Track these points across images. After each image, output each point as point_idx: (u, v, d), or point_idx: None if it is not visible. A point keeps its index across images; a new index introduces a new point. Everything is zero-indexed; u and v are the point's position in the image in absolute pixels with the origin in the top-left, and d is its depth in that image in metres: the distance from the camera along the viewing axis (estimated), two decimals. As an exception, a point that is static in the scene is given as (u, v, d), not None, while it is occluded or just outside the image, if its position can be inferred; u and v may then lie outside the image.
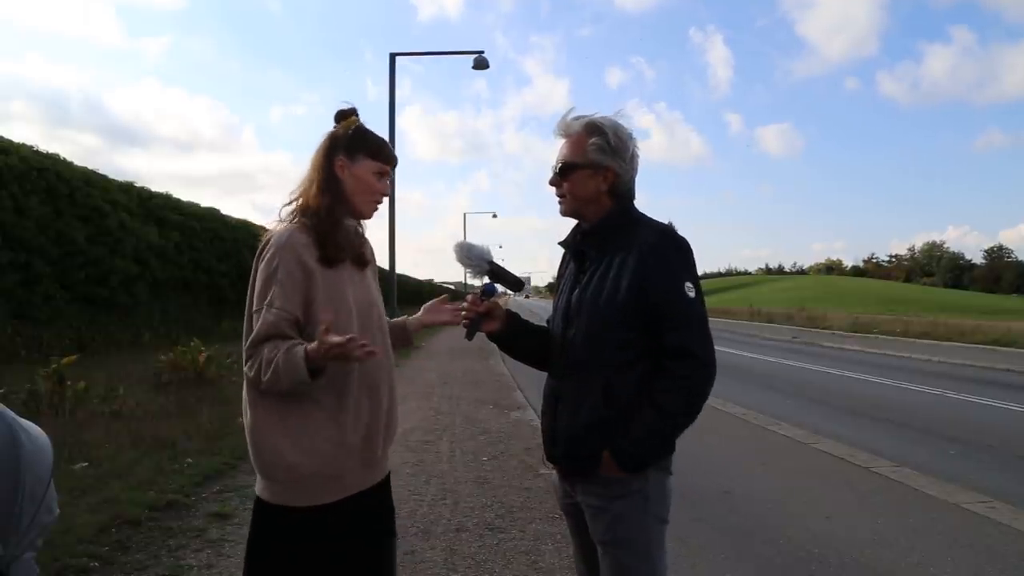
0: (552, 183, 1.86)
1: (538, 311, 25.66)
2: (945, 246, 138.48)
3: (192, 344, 8.48)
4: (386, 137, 2.02)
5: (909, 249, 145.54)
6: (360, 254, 1.82)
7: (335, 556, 1.69)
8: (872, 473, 5.34)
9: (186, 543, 3.52)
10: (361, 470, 1.73)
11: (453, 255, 1.89)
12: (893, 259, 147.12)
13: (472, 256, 1.86)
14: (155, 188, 15.48)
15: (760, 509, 4.45)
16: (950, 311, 44.16)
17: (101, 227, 12.19)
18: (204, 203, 18.86)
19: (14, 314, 9.71)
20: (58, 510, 0.84)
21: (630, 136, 1.81)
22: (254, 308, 1.64)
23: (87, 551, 3.25)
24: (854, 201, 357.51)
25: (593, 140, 1.77)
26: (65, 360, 6.14)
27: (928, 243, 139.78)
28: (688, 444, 2.00)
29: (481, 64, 14.83)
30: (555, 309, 1.92)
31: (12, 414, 0.79)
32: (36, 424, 0.84)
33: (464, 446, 6.05)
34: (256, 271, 1.68)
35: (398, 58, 14.81)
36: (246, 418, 1.70)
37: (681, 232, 1.76)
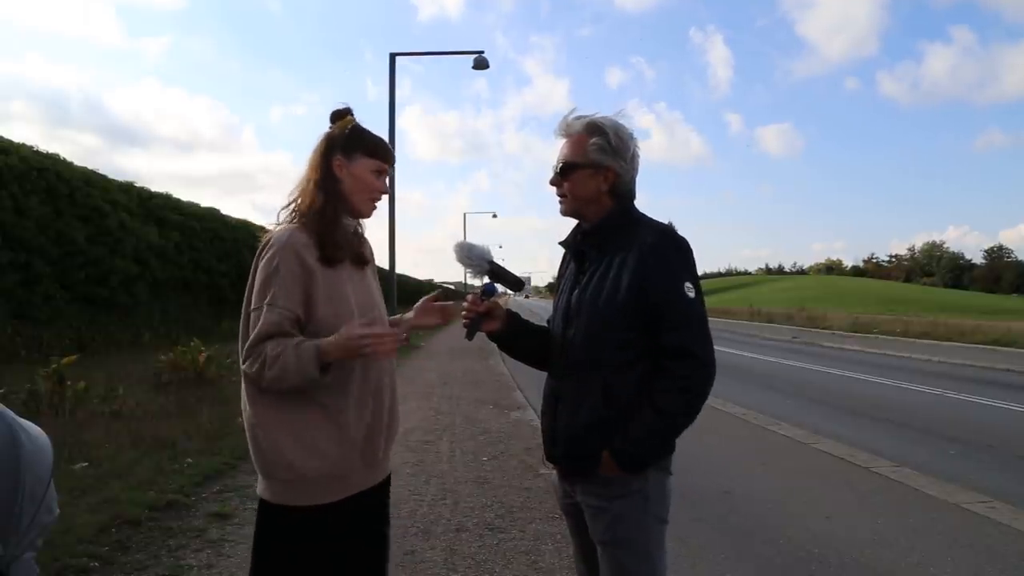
0: (553, 183, 1.86)
1: (538, 311, 25.67)
2: (945, 246, 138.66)
3: (192, 344, 8.48)
4: (386, 137, 2.02)
5: (909, 249, 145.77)
6: (359, 253, 1.82)
7: (336, 556, 1.69)
8: (872, 473, 5.34)
9: (186, 543, 3.52)
10: (364, 470, 1.74)
11: (453, 255, 1.89)
12: (893, 259, 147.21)
13: (472, 256, 1.86)
14: (155, 188, 15.54)
15: (760, 509, 4.45)
16: (950, 311, 44.17)
17: (101, 227, 12.19)
18: (204, 203, 18.90)
19: (14, 314, 9.71)
20: (58, 510, 0.84)
21: (631, 136, 1.80)
22: (253, 307, 1.64)
23: (87, 551, 3.25)
24: (854, 201, 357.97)
25: (594, 140, 1.77)
26: (65, 360, 6.14)
27: (928, 243, 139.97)
28: (688, 444, 2.00)
29: (481, 64, 14.83)
30: (555, 309, 1.92)
31: (12, 414, 0.79)
32: (36, 424, 0.84)
33: (464, 446, 6.05)
34: (256, 270, 1.68)
35: (398, 58, 14.82)
36: (246, 417, 1.70)
37: (681, 232, 1.76)
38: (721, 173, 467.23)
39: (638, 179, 1.83)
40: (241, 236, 17.48)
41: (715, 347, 1.72)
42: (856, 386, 11.32)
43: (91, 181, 12.35)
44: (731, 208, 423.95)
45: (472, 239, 2.01)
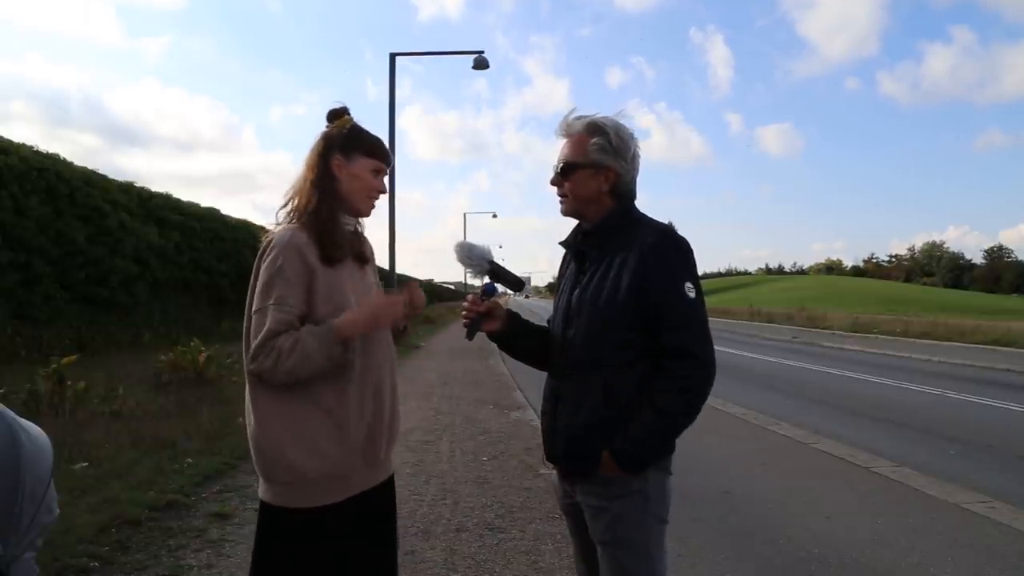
0: (553, 183, 1.86)
1: (538, 311, 25.67)
2: (945, 246, 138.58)
3: (192, 344, 8.48)
4: (386, 137, 2.03)
5: (909, 249, 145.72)
6: (360, 252, 1.83)
7: (339, 557, 1.69)
8: (872, 473, 5.34)
9: (186, 543, 3.52)
10: (365, 470, 1.74)
11: (453, 255, 1.89)
12: (893, 259, 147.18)
13: (473, 256, 1.86)
14: (155, 188, 15.55)
15: (760, 509, 4.45)
16: (950, 311, 44.17)
17: (101, 227, 12.20)
18: (204, 203, 18.91)
19: (14, 314, 9.72)
20: (58, 510, 0.84)
21: (631, 136, 1.80)
22: (257, 307, 1.64)
23: (87, 551, 3.25)
24: (854, 201, 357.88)
25: (594, 140, 1.77)
26: (65, 360, 6.14)
27: (928, 243, 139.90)
28: (688, 444, 2.00)
29: (481, 64, 14.82)
30: (555, 309, 1.92)
31: (12, 414, 0.79)
32: (36, 424, 0.84)
33: (464, 446, 6.05)
34: (258, 270, 1.68)
35: (398, 58, 14.80)
36: (248, 418, 1.70)
37: (681, 232, 1.76)
38: (721, 173, 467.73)
39: (638, 179, 1.83)
40: (241, 236, 17.48)
41: (715, 347, 1.72)
42: (856, 386, 11.32)
43: (91, 181, 12.36)
44: (731, 208, 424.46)
45: (472, 239, 2.01)
